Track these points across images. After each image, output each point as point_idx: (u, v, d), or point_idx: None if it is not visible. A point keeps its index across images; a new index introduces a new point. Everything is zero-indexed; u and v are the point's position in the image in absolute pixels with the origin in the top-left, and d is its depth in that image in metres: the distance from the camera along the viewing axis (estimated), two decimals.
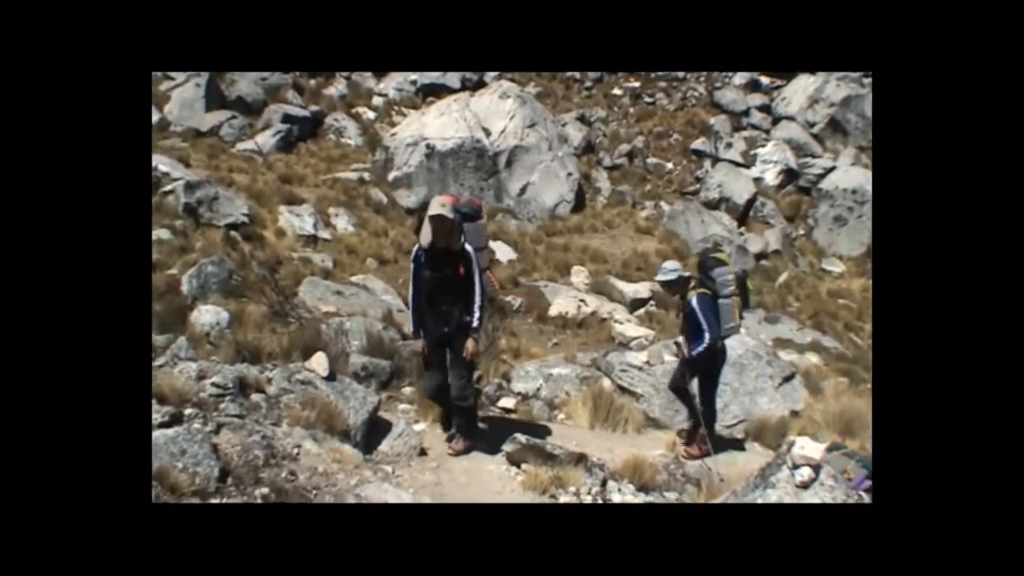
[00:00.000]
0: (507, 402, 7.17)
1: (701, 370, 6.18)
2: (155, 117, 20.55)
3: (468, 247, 5.44)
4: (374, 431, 5.47)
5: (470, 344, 5.49)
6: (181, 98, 21.31)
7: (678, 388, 6.39)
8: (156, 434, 4.04)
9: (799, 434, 4.62)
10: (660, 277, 6.31)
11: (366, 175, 19.59)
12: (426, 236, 5.38)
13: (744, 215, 21.97)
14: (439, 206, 5.28)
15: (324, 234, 14.87)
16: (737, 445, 6.92)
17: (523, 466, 5.31)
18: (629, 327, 12.98)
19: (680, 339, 6.32)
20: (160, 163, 14.34)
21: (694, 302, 6.00)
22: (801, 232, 22.35)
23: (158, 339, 6.62)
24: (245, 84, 22.71)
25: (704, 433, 6.08)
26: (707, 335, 5.93)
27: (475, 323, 5.51)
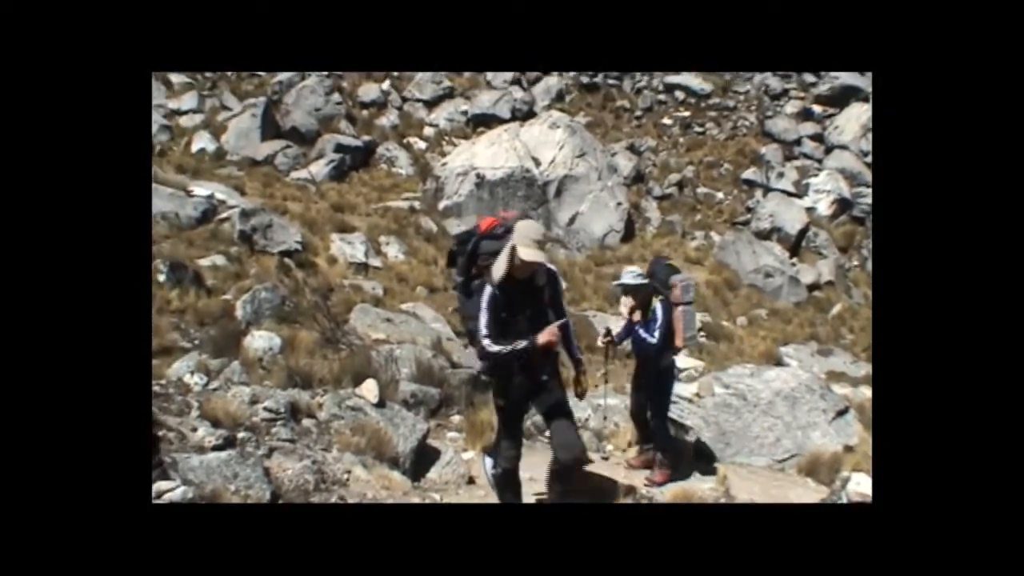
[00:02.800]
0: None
1: (657, 382, 6.10)
2: (212, 146, 21.08)
3: (552, 266, 4.42)
4: (423, 458, 5.49)
5: (583, 380, 4.57)
6: (237, 128, 21.80)
7: (637, 415, 6.29)
8: (210, 456, 4.11)
9: (853, 470, 4.52)
10: (629, 281, 5.93)
11: (417, 204, 19.79)
12: (501, 269, 4.19)
13: (796, 245, 21.70)
14: (537, 247, 4.13)
15: (375, 262, 15.04)
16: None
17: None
18: (678, 358, 12.85)
19: (612, 328, 6.20)
20: (216, 191, 14.66)
21: (661, 310, 5.86)
22: (855, 263, 21.99)
23: (212, 363, 6.73)
24: (299, 114, 23.17)
25: (663, 458, 5.92)
26: (652, 340, 5.82)
27: (579, 354, 4.59)
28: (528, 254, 4.06)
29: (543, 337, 4.15)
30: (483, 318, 4.22)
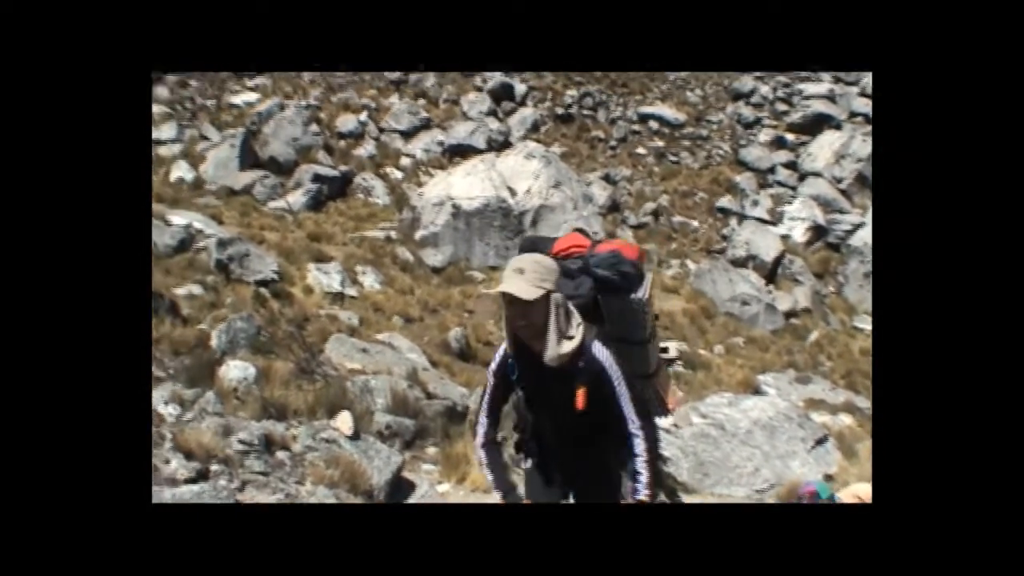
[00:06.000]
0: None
1: None
2: (190, 176, 20.99)
3: (598, 354, 2.92)
4: (397, 491, 5.44)
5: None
6: (216, 158, 21.76)
7: None
8: (182, 490, 4.05)
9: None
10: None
11: (393, 234, 19.78)
12: (504, 338, 3.04)
13: (772, 273, 21.86)
14: (512, 273, 2.86)
15: (351, 291, 14.98)
16: None
17: None
18: None
19: None
20: (194, 220, 14.59)
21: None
22: (831, 289, 22.17)
23: (186, 393, 6.65)
24: (278, 144, 23.15)
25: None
26: None
27: (646, 494, 2.92)
28: (503, 287, 2.83)
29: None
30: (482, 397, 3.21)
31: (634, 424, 2.93)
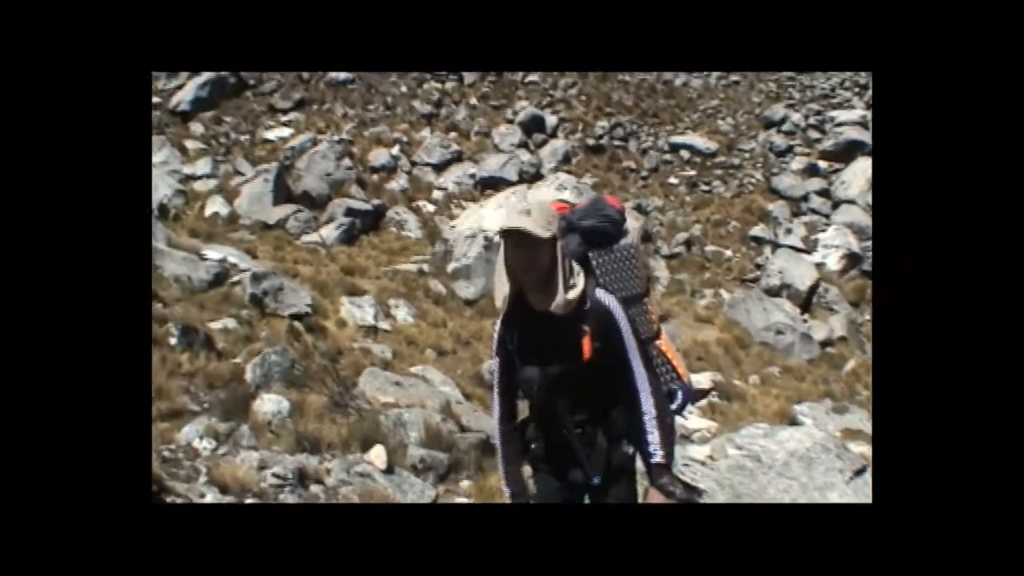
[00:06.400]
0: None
1: None
2: (225, 210, 21.31)
3: (603, 298, 2.78)
4: None
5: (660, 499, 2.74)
6: (250, 192, 22.07)
7: None
8: None
9: None
10: None
11: (426, 267, 19.89)
12: (501, 288, 2.89)
13: (807, 302, 21.63)
14: (518, 214, 2.71)
15: (384, 325, 15.05)
16: None
17: None
18: (691, 419, 12.73)
19: None
20: (229, 254, 14.78)
21: None
22: (867, 317, 21.87)
23: (221, 427, 6.70)
24: (311, 179, 23.46)
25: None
26: None
27: (660, 455, 2.75)
28: (503, 219, 2.75)
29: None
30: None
31: (641, 377, 2.77)
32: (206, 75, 27.50)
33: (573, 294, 2.74)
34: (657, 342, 3.07)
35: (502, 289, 2.87)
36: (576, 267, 2.81)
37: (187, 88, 27.45)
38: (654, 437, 2.76)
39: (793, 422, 12.39)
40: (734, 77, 31.42)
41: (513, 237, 2.71)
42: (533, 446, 2.99)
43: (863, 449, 11.27)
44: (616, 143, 28.71)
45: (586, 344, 2.71)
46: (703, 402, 14.43)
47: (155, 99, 27.07)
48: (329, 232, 21.14)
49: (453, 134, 28.08)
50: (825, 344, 19.69)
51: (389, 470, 5.59)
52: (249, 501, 4.64)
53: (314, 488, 5.26)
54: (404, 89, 30.01)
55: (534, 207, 2.76)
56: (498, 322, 2.97)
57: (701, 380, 15.04)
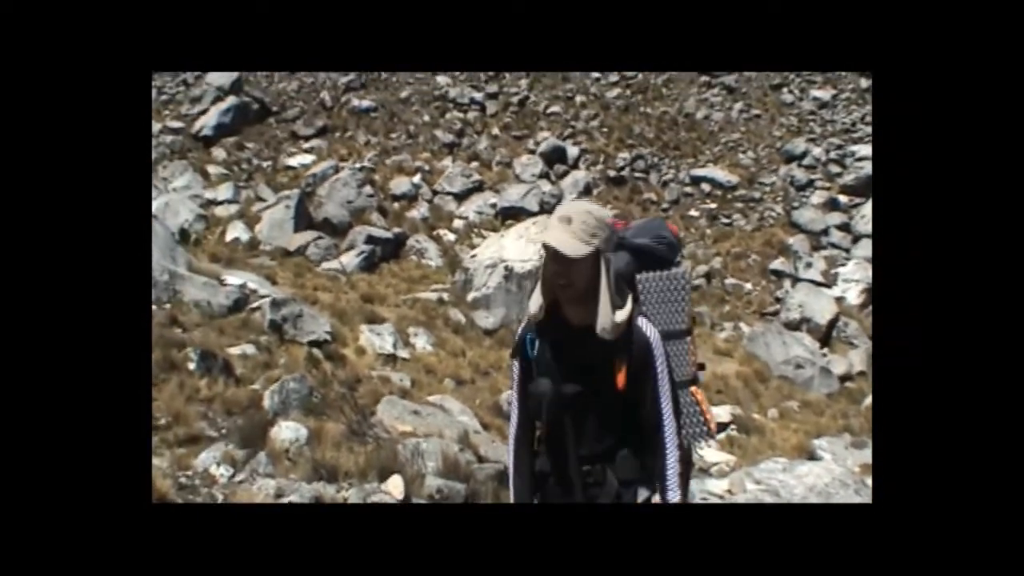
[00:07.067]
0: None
1: None
2: (246, 236, 21.48)
3: (645, 328, 2.58)
4: None
5: None
6: (271, 218, 22.25)
7: None
8: None
9: None
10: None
11: (446, 296, 19.92)
12: (538, 297, 2.63)
13: (827, 336, 21.47)
14: (558, 222, 2.53)
15: (403, 353, 15.06)
16: None
17: None
18: (709, 452, 12.60)
19: None
20: (249, 280, 14.86)
21: None
22: None
23: (238, 453, 6.71)
24: (332, 206, 23.63)
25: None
26: None
27: (673, 492, 2.59)
28: (545, 236, 2.52)
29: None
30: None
31: (668, 420, 2.54)
32: (229, 101, 27.87)
33: (621, 316, 2.51)
34: (693, 388, 2.86)
35: (538, 298, 2.64)
36: (624, 288, 2.60)
37: (210, 113, 27.81)
38: (673, 482, 2.59)
39: (812, 457, 12.26)
40: (755, 111, 31.47)
41: (548, 250, 2.52)
42: (541, 471, 2.77)
43: None
44: (637, 175, 28.76)
45: (621, 374, 2.50)
46: (722, 435, 14.31)
47: (178, 124, 27.49)
48: (349, 259, 21.25)
49: (475, 163, 28.22)
50: (844, 379, 19.51)
51: (406, 500, 5.57)
52: None
53: None
54: (427, 118, 30.26)
55: (576, 214, 2.54)
56: (522, 325, 2.75)
57: (720, 413, 14.92)
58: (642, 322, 2.58)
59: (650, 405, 2.56)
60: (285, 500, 5.09)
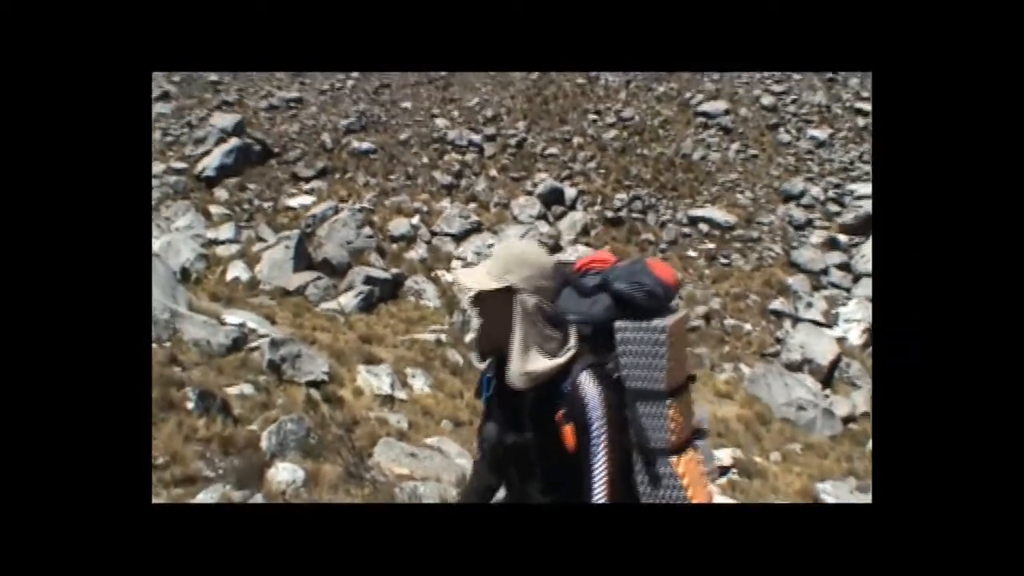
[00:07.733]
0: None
1: None
2: (246, 275, 21.51)
3: (584, 384, 2.29)
4: None
5: None
6: (271, 258, 22.31)
7: None
8: None
9: None
10: None
11: (443, 336, 19.87)
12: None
13: (829, 376, 21.38)
14: (483, 262, 2.48)
15: (401, 394, 14.97)
16: None
17: None
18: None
19: None
20: (248, 319, 14.83)
21: None
22: None
23: (235, 494, 6.62)
24: (331, 247, 23.70)
25: None
26: None
27: None
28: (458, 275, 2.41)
29: None
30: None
31: (600, 491, 2.27)
32: (232, 142, 28.11)
33: (534, 365, 2.28)
34: (674, 459, 2.46)
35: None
36: (566, 336, 2.36)
37: (213, 155, 28.04)
38: None
39: (816, 500, 12.12)
40: (752, 151, 31.71)
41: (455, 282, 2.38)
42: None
43: None
44: (635, 215, 28.88)
45: (568, 431, 2.26)
46: (723, 480, 14.16)
47: (181, 164, 27.67)
48: (348, 300, 21.24)
49: (473, 205, 28.37)
50: (848, 420, 19.37)
51: None
52: None
53: None
54: (425, 160, 30.47)
55: (499, 250, 2.42)
56: (480, 377, 2.60)
57: (721, 456, 14.78)
58: (583, 377, 2.30)
59: (587, 471, 2.29)
60: None
